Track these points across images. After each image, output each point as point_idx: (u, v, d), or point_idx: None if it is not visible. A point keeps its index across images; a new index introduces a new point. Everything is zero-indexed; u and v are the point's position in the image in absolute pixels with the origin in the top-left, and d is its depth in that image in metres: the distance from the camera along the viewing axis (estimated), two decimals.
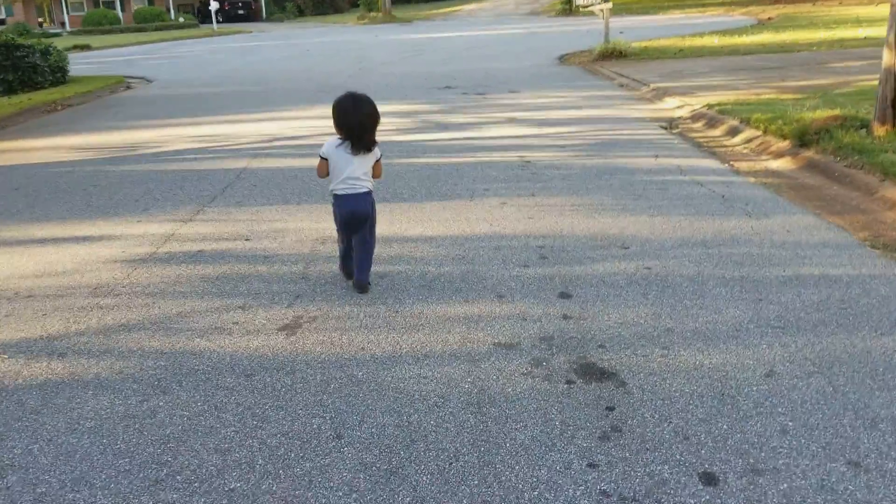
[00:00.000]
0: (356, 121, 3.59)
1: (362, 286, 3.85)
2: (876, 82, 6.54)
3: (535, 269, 4.14)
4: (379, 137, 3.83)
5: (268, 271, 4.25)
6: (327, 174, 3.76)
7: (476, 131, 8.47)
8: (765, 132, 7.32)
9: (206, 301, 3.84)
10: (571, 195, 5.62)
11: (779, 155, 6.73)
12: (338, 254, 4.05)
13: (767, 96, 9.44)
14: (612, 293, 3.76)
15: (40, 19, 52.86)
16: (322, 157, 3.74)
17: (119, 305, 3.82)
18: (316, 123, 9.41)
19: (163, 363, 3.18)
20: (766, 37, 17.12)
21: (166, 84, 15.89)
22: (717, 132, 8.06)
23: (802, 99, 8.98)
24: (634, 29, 22.81)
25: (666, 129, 8.37)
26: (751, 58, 13.81)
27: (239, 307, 3.74)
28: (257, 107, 11.42)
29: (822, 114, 7.10)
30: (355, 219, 3.74)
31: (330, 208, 3.93)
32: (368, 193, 3.77)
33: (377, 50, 22.32)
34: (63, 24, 51.52)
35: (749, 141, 7.39)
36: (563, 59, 16.83)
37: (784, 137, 6.94)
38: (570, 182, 5.97)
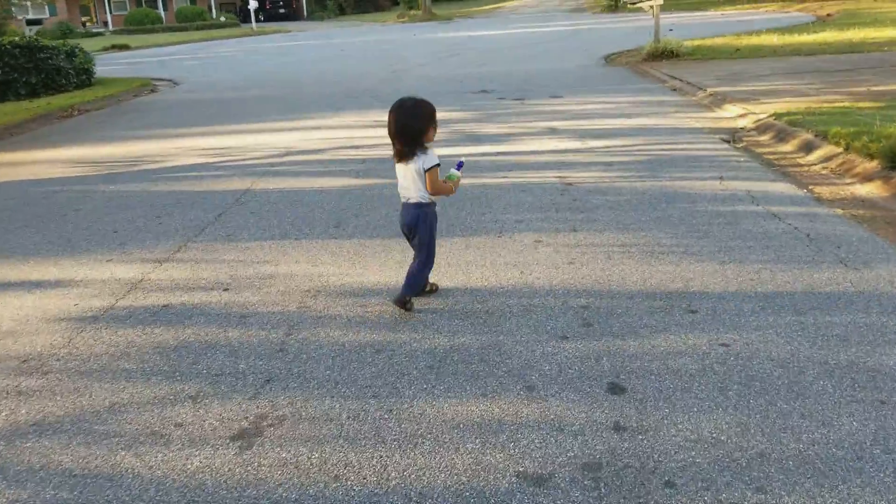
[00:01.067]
0: (391, 128, 3.50)
1: (396, 301, 3.61)
2: None
3: (577, 342, 3.23)
4: None
5: (239, 338, 3.41)
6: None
7: (511, 144, 7.56)
8: (846, 149, 6.27)
9: (151, 386, 3.01)
10: (621, 231, 4.69)
11: (866, 178, 5.69)
12: None
13: (842, 104, 8.33)
14: (680, 386, 2.83)
15: (84, 18, 53.25)
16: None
17: (42, 391, 3.01)
18: (336, 134, 8.59)
19: (64, 495, 2.34)
20: (830, 35, 15.84)
21: (192, 87, 15.27)
22: (788, 147, 7.01)
23: (885, 108, 7.87)
24: (684, 26, 21.61)
25: (728, 142, 7.34)
26: (816, 59, 12.62)
27: (190, 397, 2.90)
28: (280, 113, 10.65)
29: None
30: (404, 230, 3.68)
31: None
32: (416, 205, 3.59)
33: (414, 49, 21.49)
34: (106, 23, 51.80)
35: (828, 159, 6.34)
36: (610, 59, 15.78)
37: (871, 157, 5.89)
38: (618, 213, 5.02)
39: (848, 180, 5.80)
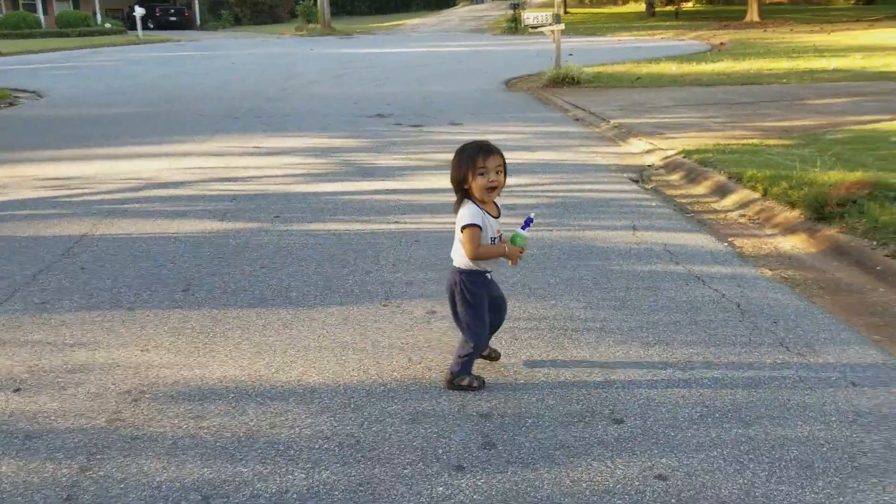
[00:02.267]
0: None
1: (450, 380, 3.01)
2: (869, 125, 5.21)
3: (476, 475, 2.46)
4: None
5: (14, 478, 2.46)
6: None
7: (406, 180, 6.79)
8: (764, 195, 5.83)
9: None
10: (527, 298, 3.98)
11: (789, 230, 5.23)
12: None
13: (750, 141, 8.01)
14: None
15: None
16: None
17: None
18: (208, 163, 7.60)
19: None
20: (727, 65, 15.94)
21: (56, 101, 13.78)
22: (700, 189, 6.54)
23: (794, 146, 7.58)
24: (584, 51, 21.54)
25: (637, 182, 6.83)
26: (717, 90, 12.50)
27: None
28: (147, 135, 9.52)
29: (841, 176, 5.63)
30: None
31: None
32: (455, 271, 2.99)
33: (310, 65, 20.51)
34: None
35: (744, 205, 5.89)
36: (510, 83, 15.33)
37: (792, 205, 5.45)
38: (524, 272, 4.32)
39: (769, 231, 5.32)
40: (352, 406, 2.90)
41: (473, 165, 2.89)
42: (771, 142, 7.96)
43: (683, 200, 6.21)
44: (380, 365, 3.23)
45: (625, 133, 9.07)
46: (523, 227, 2.91)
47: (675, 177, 7.07)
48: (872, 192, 5.13)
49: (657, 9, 42.83)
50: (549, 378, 3.11)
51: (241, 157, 7.91)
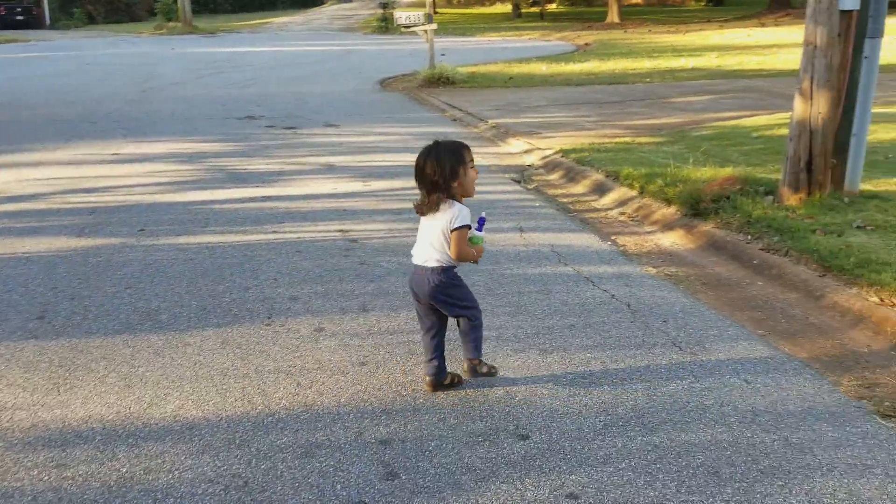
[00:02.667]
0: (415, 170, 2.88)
1: (472, 368, 2.95)
2: (730, 122, 5.46)
3: None
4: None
5: None
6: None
7: (283, 186, 6.48)
8: (641, 193, 5.95)
9: None
10: None
11: (667, 226, 5.34)
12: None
13: (622, 139, 8.21)
14: None
15: None
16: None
17: None
18: (63, 173, 7.00)
19: None
20: (594, 65, 16.43)
21: None
22: (580, 189, 6.61)
23: (663, 143, 7.83)
24: (455, 51, 21.67)
25: (520, 182, 6.83)
26: (586, 90, 12.82)
27: None
28: None
29: (713, 173, 5.81)
30: (421, 299, 2.92)
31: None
32: (438, 272, 2.86)
33: (171, 65, 19.51)
34: None
35: (623, 203, 5.98)
36: (385, 83, 15.15)
37: (668, 202, 5.58)
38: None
39: (648, 228, 5.42)
40: (237, 442, 2.64)
41: (464, 160, 2.82)
42: (642, 140, 8.18)
43: (565, 200, 6.25)
44: (265, 393, 2.98)
45: (503, 133, 9.10)
46: (478, 228, 2.90)
47: (554, 176, 7.13)
48: (743, 187, 5.31)
49: (523, 10, 43.83)
50: (448, 395, 2.97)
51: (100, 166, 7.33)
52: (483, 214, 2.95)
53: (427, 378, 2.98)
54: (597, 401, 2.91)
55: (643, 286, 4.16)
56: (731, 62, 16.13)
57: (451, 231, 2.80)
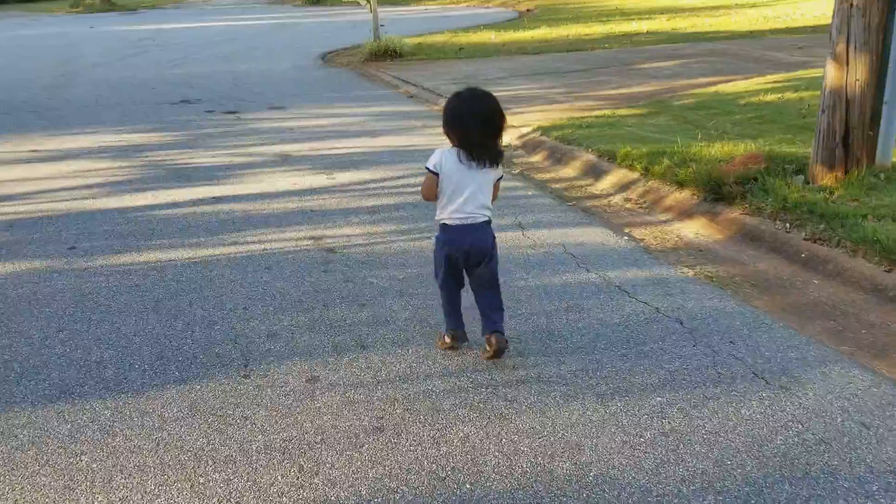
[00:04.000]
0: (470, 119, 2.67)
1: (501, 344, 2.78)
2: (708, 88, 4.84)
3: None
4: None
5: None
6: (436, 196, 2.79)
7: (235, 183, 5.63)
8: (646, 174, 5.31)
9: None
10: (430, 341, 3.10)
11: (684, 213, 4.72)
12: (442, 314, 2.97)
13: (602, 112, 7.57)
14: None
15: None
16: (431, 171, 2.74)
17: None
18: None
19: None
20: (545, 32, 15.74)
21: None
22: (570, 171, 5.94)
23: (647, 115, 7.22)
24: (395, 21, 20.73)
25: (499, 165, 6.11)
26: (545, 58, 12.13)
27: None
28: None
29: (727, 149, 5.20)
30: (468, 258, 2.80)
31: None
32: (487, 224, 2.80)
33: (91, 46, 18.04)
34: None
35: (625, 187, 5.34)
36: (328, 59, 14.17)
37: (680, 185, 4.96)
38: (415, 304, 3.45)
39: (662, 216, 4.79)
40: None
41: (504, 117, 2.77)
42: (623, 112, 7.56)
43: (557, 185, 5.57)
44: (258, 487, 2.23)
45: None
46: None
47: (538, 158, 6.44)
48: (769, 165, 4.71)
49: None
50: (503, 463, 2.27)
51: (15, 167, 6.33)
52: None
53: (454, 335, 2.92)
54: (695, 471, 2.25)
55: (687, 294, 3.52)
56: (684, 25, 15.66)
57: (498, 180, 2.82)
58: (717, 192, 4.65)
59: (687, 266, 3.91)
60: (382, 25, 17.20)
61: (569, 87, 9.35)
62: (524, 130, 7.11)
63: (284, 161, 6.31)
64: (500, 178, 2.84)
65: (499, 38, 15.10)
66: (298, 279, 3.77)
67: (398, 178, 5.72)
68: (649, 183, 5.21)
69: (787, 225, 4.15)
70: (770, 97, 7.71)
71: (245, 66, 13.13)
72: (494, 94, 2.83)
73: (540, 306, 3.41)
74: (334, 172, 5.88)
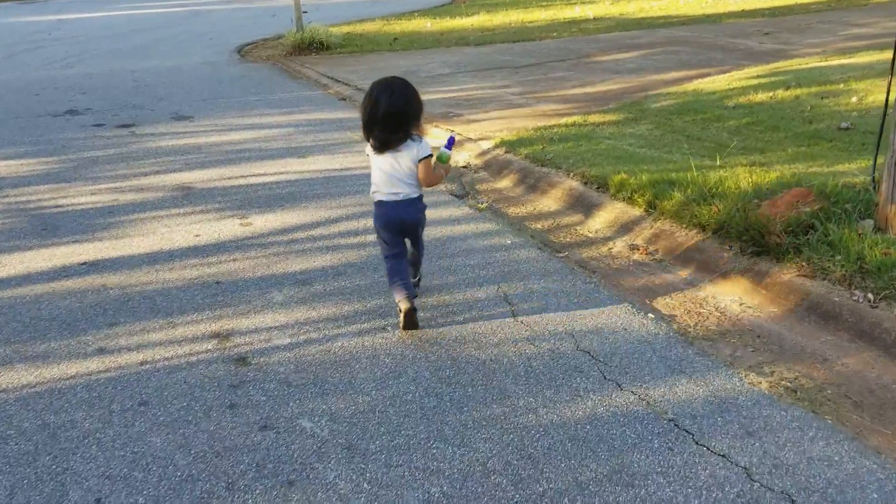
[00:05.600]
0: (375, 112, 2.94)
1: (413, 301, 3.07)
2: (681, 86, 3.75)
3: None
4: None
5: None
6: None
7: (116, 237, 4.25)
8: (649, 211, 4.17)
9: None
10: None
11: (715, 270, 3.58)
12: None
13: (569, 119, 6.42)
14: None
15: None
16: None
17: None
18: None
19: None
20: (484, 19, 14.53)
21: None
22: (552, 203, 4.75)
23: (624, 123, 6.14)
24: (318, 7, 19.22)
25: (464, 197, 4.90)
26: (490, 50, 10.92)
27: None
28: None
29: (758, 178, 4.07)
30: (392, 230, 3.13)
31: None
32: (415, 201, 3.10)
33: None
34: None
35: (626, 229, 4.19)
36: (245, 52, 12.65)
37: (702, 228, 3.82)
38: (374, 466, 2.20)
39: (684, 273, 3.65)
40: None
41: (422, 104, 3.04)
42: (595, 118, 6.41)
43: (538, 225, 4.38)
44: None
45: None
46: (448, 147, 3.09)
47: (507, 183, 5.23)
48: (823, 205, 3.60)
49: None
50: None
51: None
52: (452, 134, 3.44)
53: (406, 302, 3.03)
54: None
55: (775, 432, 2.37)
56: (631, 9, 14.66)
57: (420, 161, 2.99)
58: (758, 242, 3.52)
59: (752, 369, 2.76)
60: (305, 12, 15.73)
61: (524, 85, 8.16)
62: (485, 146, 5.89)
63: (186, 197, 4.94)
64: (426, 157, 3.00)
65: (435, 26, 13.82)
66: (189, 428, 2.47)
67: (335, 220, 4.43)
68: (658, 224, 4.06)
69: (871, 296, 3.04)
70: (760, 96, 6.69)
71: (150, 63, 11.51)
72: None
73: (562, 469, 2.21)
74: (250, 215, 4.55)
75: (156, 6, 23.85)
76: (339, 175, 5.35)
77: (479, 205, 4.75)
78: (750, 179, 4.07)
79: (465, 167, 5.63)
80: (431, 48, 11.43)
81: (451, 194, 4.95)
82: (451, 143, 3.13)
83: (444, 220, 4.41)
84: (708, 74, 7.98)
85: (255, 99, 8.38)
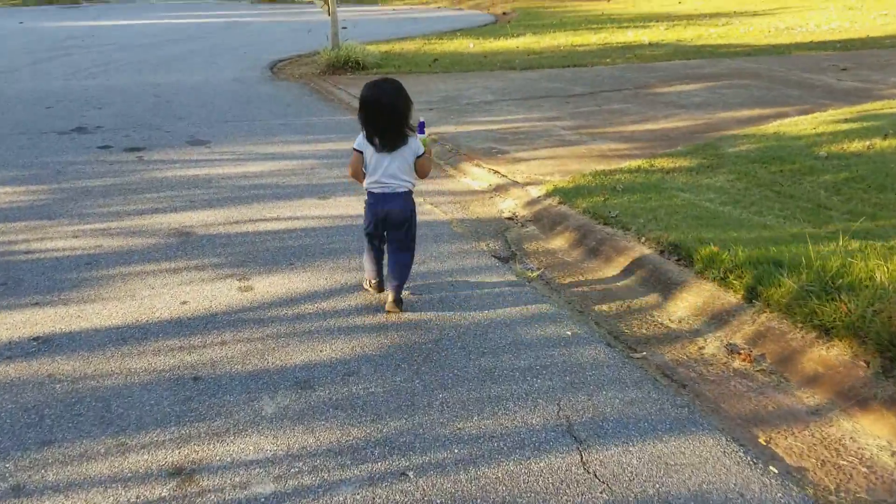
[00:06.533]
0: (372, 114, 3.13)
1: (398, 302, 3.33)
2: (762, 127, 3.65)
3: None
4: None
5: None
6: (362, 174, 3.28)
7: (84, 300, 3.48)
8: (752, 297, 3.27)
9: None
10: None
11: (850, 396, 2.70)
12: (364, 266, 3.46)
13: (633, 162, 5.57)
14: None
15: None
16: (356, 150, 3.25)
17: None
18: None
19: None
20: (531, 41, 13.72)
21: None
22: (618, 274, 3.89)
23: (698, 171, 5.29)
24: (359, 24, 18.60)
25: (509, 261, 4.05)
26: (538, 76, 10.08)
27: None
28: None
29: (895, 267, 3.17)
30: (387, 222, 3.28)
31: None
32: (407, 194, 3.27)
33: (10, 44, 15.59)
34: None
35: (720, 320, 3.31)
36: (277, 68, 11.98)
37: (824, 330, 2.93)
38: None
39: (807, 397, 2.76)
40: None
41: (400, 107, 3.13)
42: (663, 163, 5.54)
43: (606, 308, 3.51)
44: None
45: (452, 153, 6.27)
46: (420, 131, 3.27)
47: (561, 243, 4.37)
48: None
49: None
50: None
51: None
52: (421, 119, 3.36)
53: (377, 283, 3.42)
54: None
55: None
56: (688, 35, 13.75)
57: (417, 158, 3.20)
58: None
59: None
60: (345, 28, 15.10)
61: (577, 117, 7.31)
62: (534, 193, 5.05)
63: (182, 246, 4.16)
64: (421, 155, 3.21)
65: (479, 48, 13.04)
66: None
67: (353, 288, 3.61)
68: (762, 318, 3.17)
69: None
70: (855, 145, 5.77)
71: (177, 77, 10.88)
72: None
73: None
74: (252, 275, 3.75)
75: (195, 16, 23.49)
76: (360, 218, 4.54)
77: (529, 272, 3.90)
78: (886, 268, 3.16)
79: (509, 219, 4.79)
80: (474, 71, 10.64)
81: (494, 256, 4.11)
82: (422, 126, 3.32)
83: (485, 293, 3.57)
84: (787, 115, 7.06)
85: (280, 123, 7.64)
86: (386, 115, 3.07)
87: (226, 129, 7.33)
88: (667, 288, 3.63)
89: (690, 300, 3.49)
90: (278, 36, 16.83)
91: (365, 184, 3.26)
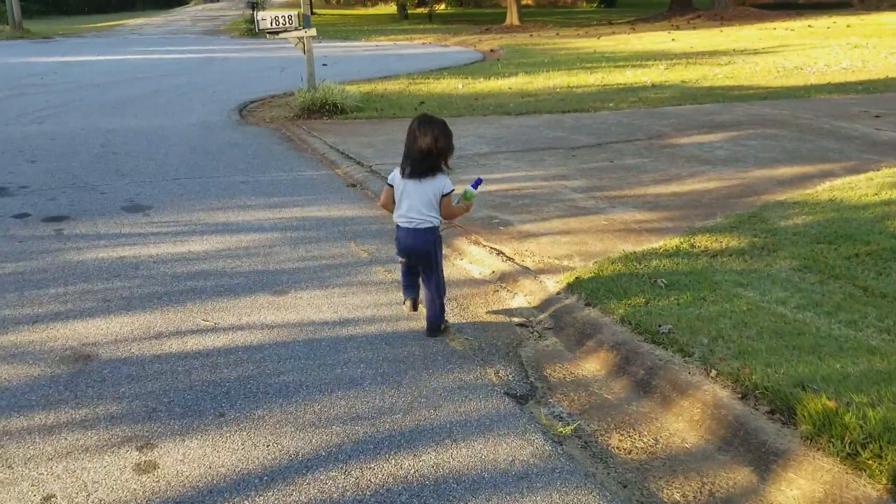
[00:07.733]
0: (418, 142, 3.25)
1: (432, 329, 3.45)
2: (809, 191, 4.19)
3: None
4: None
5: None
6: (392, 203, 3.41)
7: None
8: (891, 489, 2.13)
9: None
10: None
11: None
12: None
13: (671, 241, 4.48)
14: None
15: None
16: (388, 185, 3.41)
17: None
18: None
19: None
20: (524, 81, 12.74)
21: None
22: (685, 429, 2.74)
23: (750, 254, 4.20)
24: (340, 60, 17.64)
25: (526, 402, 2.93)
26: (536, 122, 9.03)
27: None
28: None
29: None
30: (406, 255, 3.42)
31: None
32: (428, 231, 3.34)
33: None
34: None
35: None
36: (247, 111, 10.89)
37: None
38: None
39: None
40: None
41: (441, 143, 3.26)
42: (704, 241, 4.46)
43: (678, 498, 2.36)
44: None
45: (444, 225, 5.12)
46: (474, 186, 3.37)
47: (594, 367, 3.24)
48: None
49: (409, 11, 40.04)
50: None
51: None
52: (480, 177, 3.53)
53: (410, 303, 3.56)
54: None
55: None
56: (692, 76, 12.81)
57: (443, 196, 3.30)
58: None
59: None
60: (325, 64, 14.10)
61: (587, 175, 6.24)
62: (550, 285, 3.93)
63: (71, 383, 3.00)
64: (448, 193, 3.30)
65: (467, 88, 12.03)
66: None
67: (314, 464, 2.44)
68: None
69: None
70: None
71: (132, 122, 9.75)
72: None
73: None
74: (159, 441, 2.59)
75: (172, 51, 22.43)
76: (330, 337, 3.41)
77: (559, 426, 2.76)
78: None
79: (522, 325, 3.66)
80: (464, 116, 9.58)
81: (507, 393, 2.97)
82: (477, 183, 3.39)
83: (500, 473, 2.41)
84: (832, 173, 6.03)
85: (241, 181, 6.51)
86: (427, 142, 3.19)
87: (174, 189, 6.19)
88: (762, 461, 2.50)
89: (803, 486, 2.36)
90: (255, 73, 15.79)
91: (394, 216, 3.37)
